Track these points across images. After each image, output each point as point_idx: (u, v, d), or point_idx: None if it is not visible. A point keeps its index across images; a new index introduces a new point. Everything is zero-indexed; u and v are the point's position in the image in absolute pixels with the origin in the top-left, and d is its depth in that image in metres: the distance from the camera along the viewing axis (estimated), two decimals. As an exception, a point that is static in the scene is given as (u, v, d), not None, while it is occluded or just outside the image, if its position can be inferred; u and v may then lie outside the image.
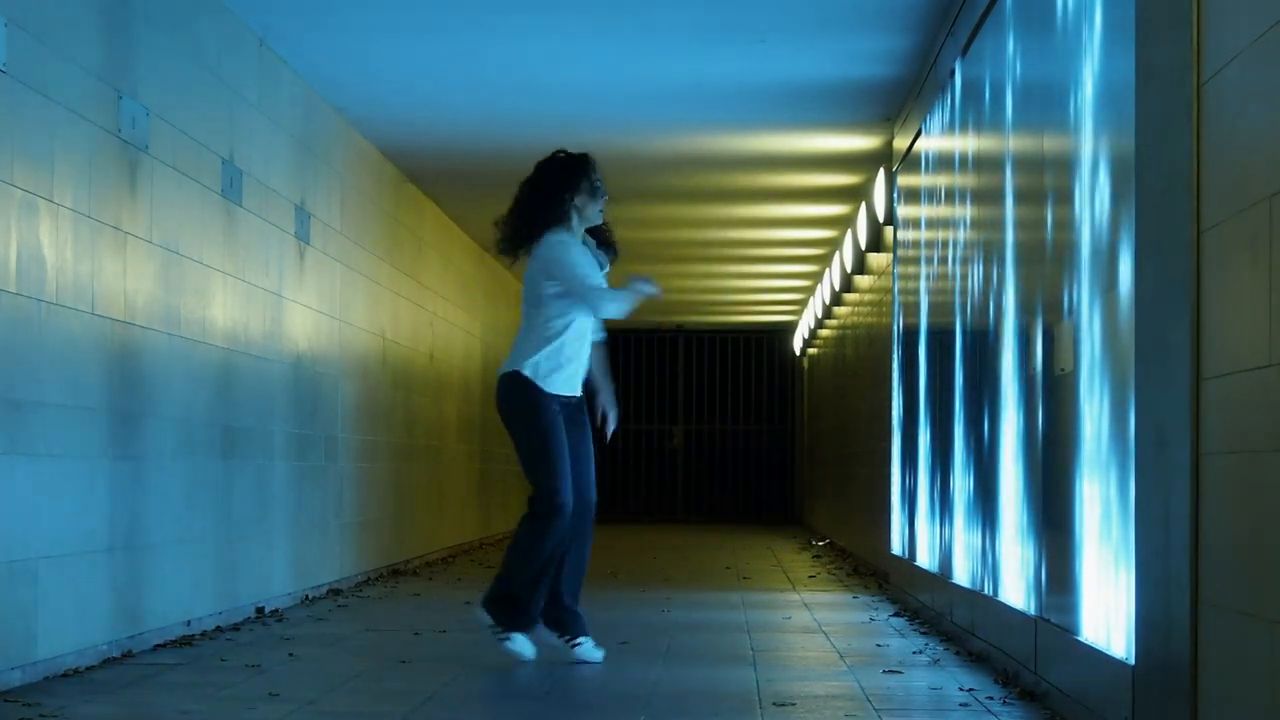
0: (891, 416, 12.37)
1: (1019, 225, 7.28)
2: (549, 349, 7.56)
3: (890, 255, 12.91)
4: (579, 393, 7.68)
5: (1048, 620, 6.44)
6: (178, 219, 8.46)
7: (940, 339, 9.77)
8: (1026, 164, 7.11)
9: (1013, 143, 7.47)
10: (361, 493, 12.70)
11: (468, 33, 9.93)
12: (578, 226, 7.72)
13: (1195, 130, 4.55)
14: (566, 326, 7.59)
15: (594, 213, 7.69)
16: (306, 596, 10.94)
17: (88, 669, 7.21)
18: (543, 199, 7.66)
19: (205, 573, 8.92)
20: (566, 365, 7.58)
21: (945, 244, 9.63)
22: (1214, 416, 4.42)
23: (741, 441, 29.79)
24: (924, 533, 10.40)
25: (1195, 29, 4.56)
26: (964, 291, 8.82)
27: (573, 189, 7.67)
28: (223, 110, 9.25)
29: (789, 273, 21.09)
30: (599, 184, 7.71)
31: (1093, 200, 5.75)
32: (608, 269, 7.82)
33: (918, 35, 9.74)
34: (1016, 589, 7.16)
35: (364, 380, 12.79)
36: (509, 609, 7.62)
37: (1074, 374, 5.99)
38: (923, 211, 10.77)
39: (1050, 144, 6.55)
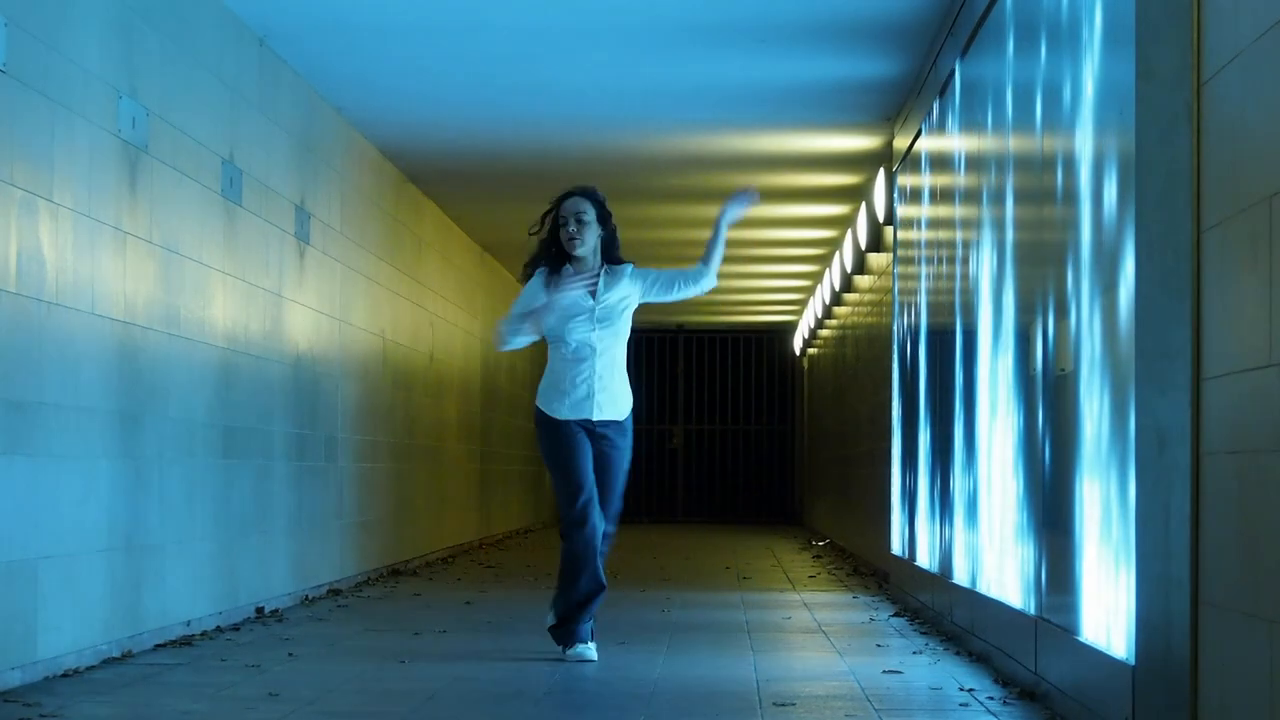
0: (891, 416, 12.37)
1: (1019, 225, 7.28)
2: (545, 378, 7.94)
3: (890, 255, 12.91)
4: (596, 417, 7.85)
5: (1048, 620, 6.44)
6: (178, 219, 8.46)
7: (940, 339, 9.77)
8: (1026, 164, 7.11)
9: (1012, 143, 7.47)
10: (361, 493, 12.70)
11: (468, 33, 9.93)
12: (578, 263, 7.87)
13: (1195, 130, 4.55)
14: (556, 357, 7.89)
15: (564, 242, 7.84)
16: (306, 596, 10.94)
17: (88, 669, 7.21)
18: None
19: (205, 573, 8.92)
20: (570, 393, 7.85)
21: (945, 244, 9.63)
22: (1214, 416, 4.42)
23: (741, 441, 29.79)
24: (924, 533, 10.40)
25: (1195, 29, 4.56)
26: (964, 291, 8.82)
27: (547, 227, 7.95)
28: (223, 110, 9.25)
29: (789, 273, 21.09)
30: (562, 215, 7.86)
31: (1093, 200, 5.74)
32: (599, 298, 7.88)
33: (918, 35, 9.74)
34: (1016, 589, 7.16)
35: (364, 380, 12.79)
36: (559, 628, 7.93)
37: (1074, 374, 5.99)
38: (923, 211, 10.77)
39: (1050, 144, 6.55)
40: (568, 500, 7.80)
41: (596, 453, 7.84)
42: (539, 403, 7.89)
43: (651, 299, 7.96)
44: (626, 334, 7.90)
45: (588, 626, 7.85)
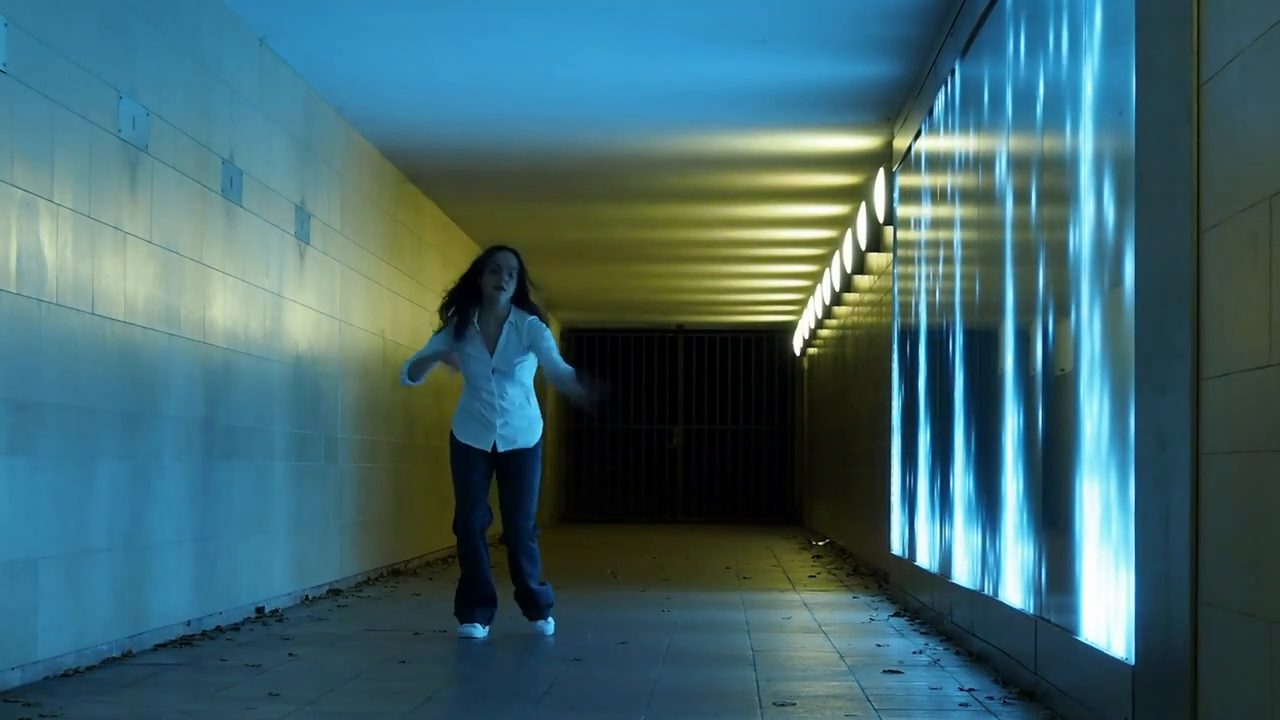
0: (891, 416, 12.38)
1: (1019, 225, 7.28)
2: (458, 406, 9.01)
3: (890, 255, 12.91)
4: (502, 449, 8.87)
5: (1048, 620, 6.44)
6: (178, 219, 8.46)
7: (940, 339, 9.77)
8: (1026, 164, 7.11)
9: (1012, 142, 7.47)
10: (361, 493, 12.70)
11: (468, 33, 9.94)
12: (490, 309, 8.87)
13: (1195, 130, 4.55)
14: (469, 393, 8.93)
15: (490, 289, 8.85)
16: (306, 596, 10.94)
17: (88, 669, 7.21)
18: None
19: (205, 573, 8.92)
20: (473, 424, 8.91)
21: (945, 244, 9.63)
22: (1214, 416, 4.42)
23: (741, 441, 29.79)
24: (924, 533, 10.40)
25: (1195, 29, 4.56)
26: (964, 291, 8.82)
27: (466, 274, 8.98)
28: (223, 110, 9.25)
29: (789, 273, 21.09)
30: (494, 265, 8.88)
31: (1093, 200, 5.75)
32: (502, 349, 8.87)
33: (917, 35, 9.74)
34: (1016, 589, 7.16)
35: (364, 380, 12.79)
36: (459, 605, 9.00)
37: (1074, 374, 5.99)
38: (923, 211, 10.77)
39: (1050, 144, 6.55)
40: (458, 509, 8.89)
41: (501, 470, 8.91)
42: (452, 425, 9.00)
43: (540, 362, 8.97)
44: (530, 376, 8.93)
45: (487, 611, 8.88)
